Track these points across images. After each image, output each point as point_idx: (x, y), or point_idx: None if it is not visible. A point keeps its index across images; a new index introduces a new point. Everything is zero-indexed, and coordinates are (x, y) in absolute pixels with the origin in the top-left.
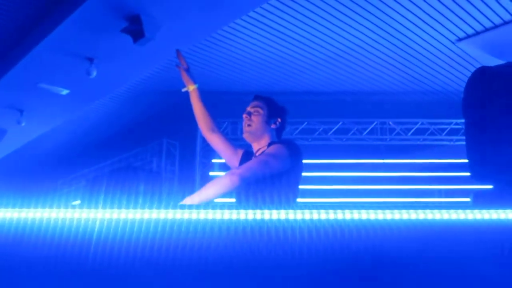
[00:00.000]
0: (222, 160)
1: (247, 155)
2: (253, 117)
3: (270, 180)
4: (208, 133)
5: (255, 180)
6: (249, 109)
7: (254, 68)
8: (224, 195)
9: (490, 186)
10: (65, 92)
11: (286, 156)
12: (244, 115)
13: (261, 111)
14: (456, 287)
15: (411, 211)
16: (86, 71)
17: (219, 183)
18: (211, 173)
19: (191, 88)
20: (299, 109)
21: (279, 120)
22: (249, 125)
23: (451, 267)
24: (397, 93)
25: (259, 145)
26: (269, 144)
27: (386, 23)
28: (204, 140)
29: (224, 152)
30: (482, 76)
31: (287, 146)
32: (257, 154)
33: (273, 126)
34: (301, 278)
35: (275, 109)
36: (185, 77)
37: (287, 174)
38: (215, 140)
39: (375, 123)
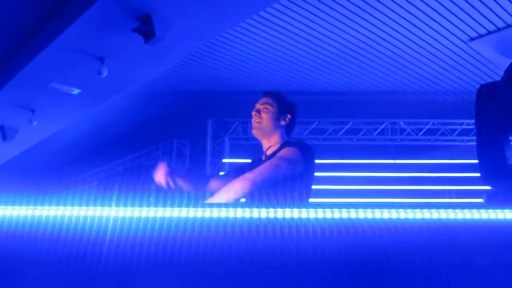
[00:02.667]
0: (233, 160)
1: (256, 158)
2: (262, 114)
3: (283, 183)
4: (213, 189)
5: (267, 184)
6: (258, 106)
7: (264, 68)
8: (237, 200)
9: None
10: (76, 91)
11: (299, 159)
12: (253, 112)
13: (270, 108)
14: (469, 283)
15: (425, 210)
16: (97, 70)
17: (231, 189)
18: (221, 173)
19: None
20: (309, 109)
21: (289, 116)
22: (258, 122)
23: (464, 265)
24: (408, 93)
25: (269, 143)
26: (282, 145)
27: (398, 23)
28: (214, 140)
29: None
30: (480, 94)
31: (300, 149)
32: (267, 153)
33: (282, 122)
34: (310, 276)
35: (284, 106)
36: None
37: (300, 177)
38: (216, 187)
39: (385, 123)
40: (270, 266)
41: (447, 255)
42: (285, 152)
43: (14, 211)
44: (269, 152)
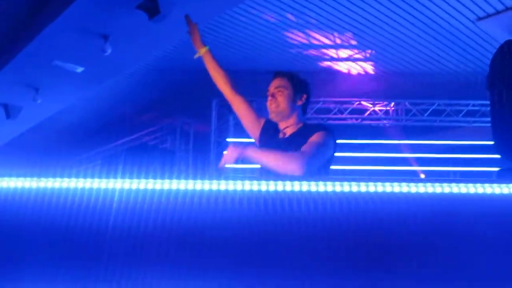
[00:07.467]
0: (238, 139)
1: (269, 128)
2: (278, 98)
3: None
4: (231, 94)
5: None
6: (272, 89)
7: (270, 47)
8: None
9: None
10: (80, 69)
11: (332, 145)
12: (268, 97)
13: (285, 90)
14: (480, 256)
15: (436, 184)
16: (101, 48)
17: (292, 162)
18: (225, 152)
19: (203, 51)
20: (315, 88)
21: (305, 96)
22: (275, 106)
23: (476, 239)
24: (414, 73)
25: (286, 124)
26: (305, 128)
27: (405, 2)
28: (219, 119)
29: (246, 117)
30: (510, 49)
31: (330, 134)
32: (286, 132)
33: (299, 103)
34: (317, 247)
35: (299, 85)
36: (196, 42)
37: (329, 160)
38: (237, 103)
39: (391, 104)
40: (277, 238)
41: (458, 228)
42: (320, 138)
43: (20, 183)
44: (288, 132)
